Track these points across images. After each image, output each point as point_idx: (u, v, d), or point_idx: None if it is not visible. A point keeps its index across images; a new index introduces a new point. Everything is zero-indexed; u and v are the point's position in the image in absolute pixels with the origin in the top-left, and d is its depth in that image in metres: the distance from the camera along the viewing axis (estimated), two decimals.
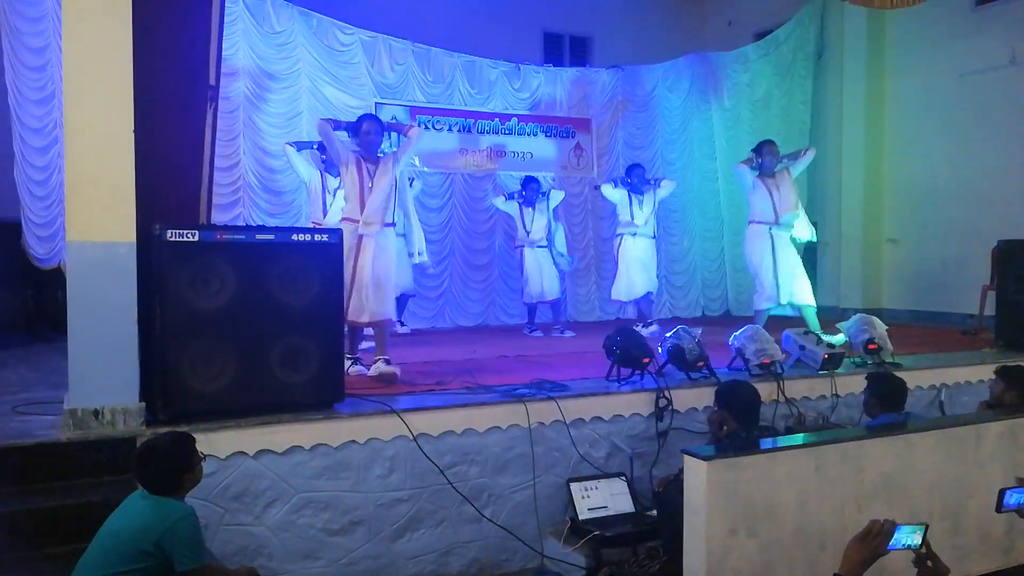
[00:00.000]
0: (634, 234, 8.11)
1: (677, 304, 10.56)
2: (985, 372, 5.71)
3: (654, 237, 8.33)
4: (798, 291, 7.00)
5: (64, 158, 3.84)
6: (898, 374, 4.68)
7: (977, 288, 8.27)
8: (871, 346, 5.71)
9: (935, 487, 3.70)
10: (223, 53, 5.17)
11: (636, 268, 8.11)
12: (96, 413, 3.74)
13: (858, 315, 6.05)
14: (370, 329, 5.63)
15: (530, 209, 8.20)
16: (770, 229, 6.99)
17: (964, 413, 5.49)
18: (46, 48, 7.15)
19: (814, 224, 10.68)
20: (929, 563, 2.24)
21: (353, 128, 5.58)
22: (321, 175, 7.05)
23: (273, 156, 8.29)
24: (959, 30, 9.34)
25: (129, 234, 3.79)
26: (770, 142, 7.18)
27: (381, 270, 5.37)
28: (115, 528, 3.00)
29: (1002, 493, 2.44)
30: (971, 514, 3.77)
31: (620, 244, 8.20)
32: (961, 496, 3.76)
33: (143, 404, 3.84)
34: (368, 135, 5.49)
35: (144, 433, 3.69)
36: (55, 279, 7.10)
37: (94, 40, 3.74)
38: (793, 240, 7.16)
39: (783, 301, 6.97)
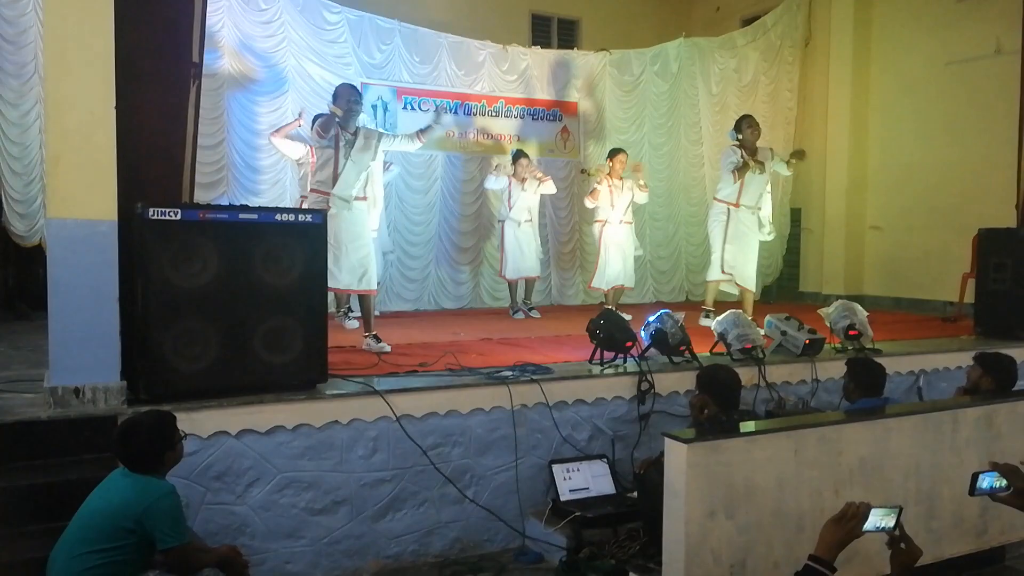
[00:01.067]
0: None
1: (662, 289, 10.59)
2: (963, 359, 5.79)
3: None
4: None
5: (45, 134, 3.80)
6: (878, 360, 4.73)
7: (958, 276, 8.35)
8: (852, 332, 5.77)
9: (911, 471, 3.75)
10: (208, 30, 5.12)
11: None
12: (77, 391, 3.72)
13: (839, 301, 6.10)
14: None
15: (520, 185, 8.16)
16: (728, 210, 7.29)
17: (942, 399, 5.56)
18: (26, 22, 7.05)
19: (797, 210, 10.83)
20: (902, 545, 2.28)
21: (336, 95, 5.55)
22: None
23: (258, 135, 8.21)
24: (945, 19, 9.37)
25: (111, 212, 3.75)
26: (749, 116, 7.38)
27: (359, 243, 5.43)
28: (96, 506, 2.99)
29: (975, 477, 2.49)
30: (946, 498, 3.83)
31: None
32: (937, 480, 3.81)
33: (124, 383, 3.82)
34: (351, 103, 5.47)
35: (125, 412, 3.67)
36: (36, 256, 7.04)
37: (76, 14, 3.68)
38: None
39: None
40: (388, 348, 5.47)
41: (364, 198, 5.81)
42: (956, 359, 6.07)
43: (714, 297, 7.63)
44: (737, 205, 7.27)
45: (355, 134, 5.54)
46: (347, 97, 5.53)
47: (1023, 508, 2.48)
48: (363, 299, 5.85)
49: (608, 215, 8.04)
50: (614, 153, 8.11)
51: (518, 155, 8.30)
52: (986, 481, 2.50)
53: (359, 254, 5.60)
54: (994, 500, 2.54)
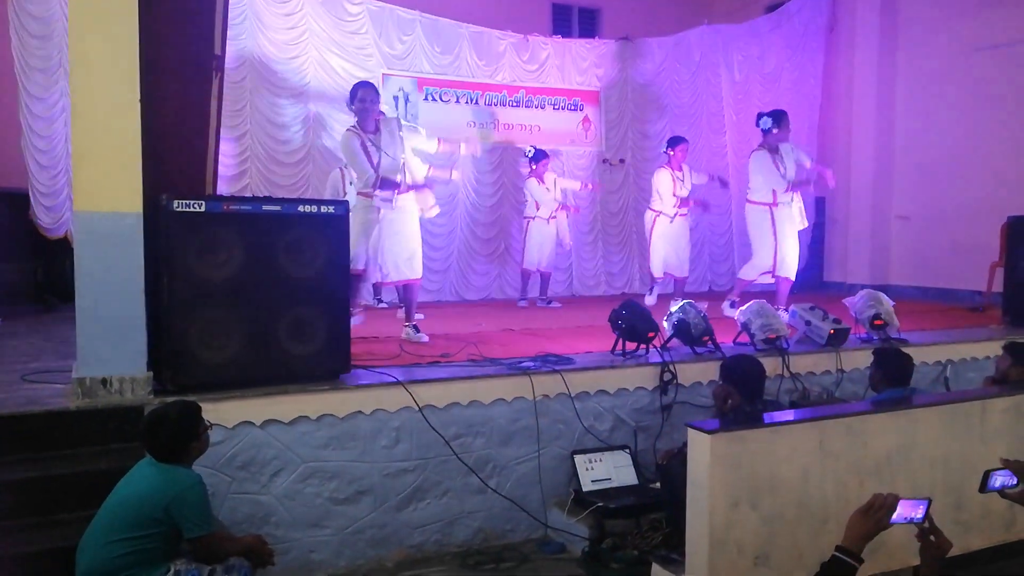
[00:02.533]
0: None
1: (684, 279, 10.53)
2: (992, 348, 5.72)
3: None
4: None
5: (70, 127, 3.83)
6: (904, 350, 4.67)
7: (985, 265, 8.23)
8: (877, 322, 5.70)
9: (939, 462, 3.70)
10: (230, 22, 5.13)
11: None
12: (104, 382, 3.77)
13: (864, 291, 6.03)
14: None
15: (540, 183, 8.21)
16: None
17: (970, 389, 5.49)
18: (51, 17, 7.12)
19: (821, 200, 10.70)
20: (932, 538, 2.24)
21: (350, 97, 5.57)
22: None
23: (280, 127, 8.26)
24: (973, 4, 9.20)
25: (136, 204, 3.78)
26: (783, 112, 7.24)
27: (409, 233, 5.61)
28: (123, 495, 3.03)
29: (987, 475, 2.46)
30: (974, 490, 3.76)
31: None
32: (965, 471, 3.75)
33: (151, 373, 3.86)
34: (364, 103, 5.49)
35: (152, 402, 3.71)
36: (63, 249, 7.13)
37: (100, 7, 3.71)
38: None
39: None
40: (426, 338, 5.54)
41: (406, 191, 5.70)
42: (984, 349, 5.98)
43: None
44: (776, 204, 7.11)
45: (376, 130, 5.55)
46: (357, 96, 5.55)
47: None
48: (407, 288, 5.94)
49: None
50: (676, 143, 8.00)
51: (541, 155, 8.31)
52: (998, 480, 2.46)
53: (405, 246, 5.67)
54: (1003, 497, 2.50)
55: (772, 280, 7.27)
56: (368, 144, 5.48)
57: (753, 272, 7.31)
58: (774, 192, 7.06)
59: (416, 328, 5.65)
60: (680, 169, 7.95)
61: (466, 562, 4.25)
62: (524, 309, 8.24)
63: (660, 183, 7.90)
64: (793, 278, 7.28)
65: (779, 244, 7.08)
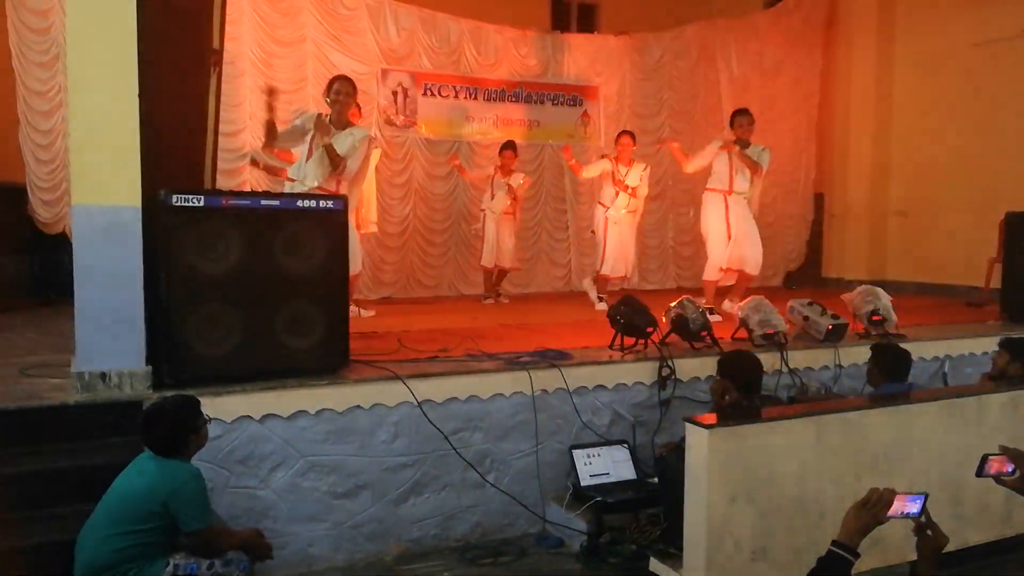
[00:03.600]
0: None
1: (684, 274, 10.54)
2: (989, 344, 5.72)
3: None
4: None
5: (68, 121, 3.83)
6: (902, 345, 4.68)
7: (984, 261, 8.24)
8: (875, 317, 5.71)
9: (936, 457, 3.72)
10: (228, 17, 5.13)
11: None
12: (103, 376, 3.77)
13: (862, 286, 6.04)
14: None
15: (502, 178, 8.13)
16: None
17: (967, 384, 5.50)
18: (49, 11, 7.11)
19: (819, 195, 10.71)
20: (929, 532, 2.25)
21: (326, 88, 5.60)
22: None
23: (279, 122, 8.21)
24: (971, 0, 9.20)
25: (134, 198, 3.78)
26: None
27: None
28: (122, 489, 3.04)
29: (984, 459, 2.48)
30: (971, 485, 3.78)
31: None
32: (962, 467, 3.77)
33: (149, 368, 3.86)
34: (339, 95, 5.49)
35: (150, 396, 3.71)
36: (62, 243, 7.13)
37: (98, 2, 3.70)
38: None
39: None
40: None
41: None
42: (982, 344, 5.99)
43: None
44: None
45: (343, 128, 5.69)
46: (333, 88, 5.66)
47: None
48: None
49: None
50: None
51: (508, 145, 8.22)
52: (994, 466, 2.49)
53: None
54: (999, 483, 2.52)
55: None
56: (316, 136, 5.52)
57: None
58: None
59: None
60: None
61: (464, 556, 4.26)
62: (518, 304, 8.20)
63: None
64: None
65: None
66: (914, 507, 2.25)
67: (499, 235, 8.16)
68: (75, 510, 3.28)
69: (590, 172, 8.07)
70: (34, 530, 3.34)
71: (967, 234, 9.07)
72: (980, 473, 2.51)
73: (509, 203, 8.13)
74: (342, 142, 5.54)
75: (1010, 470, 2.48)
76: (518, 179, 8.17)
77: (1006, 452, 2.48)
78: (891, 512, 2.23)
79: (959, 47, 9.31)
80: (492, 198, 8.18)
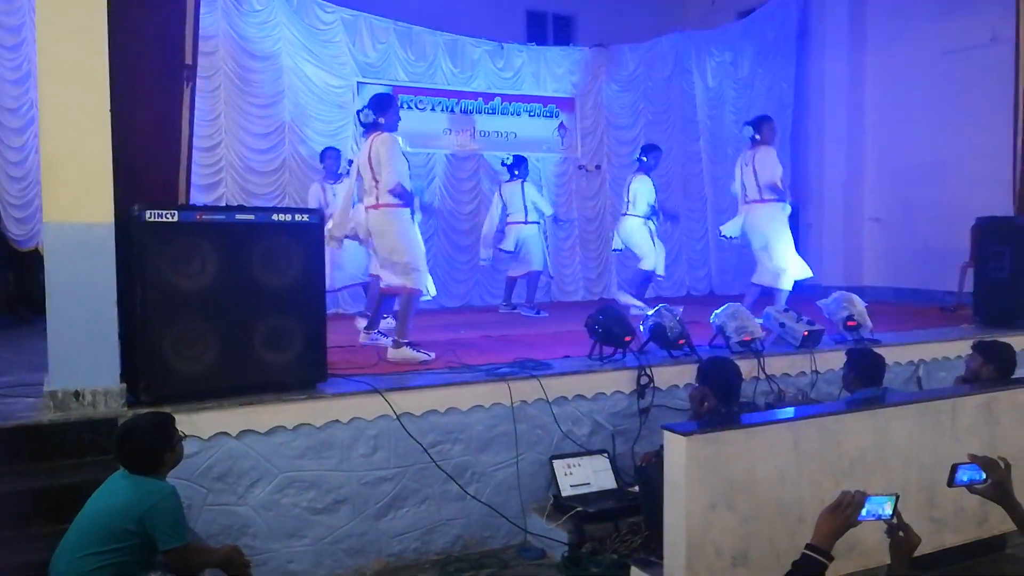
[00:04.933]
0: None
1: (661, 284, 10.57)
2: (962, 348, 5.78)
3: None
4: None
5: (40, 138, 3.80)
6: (877, 350, 4.72)
7: (957, 266, 8.35)
8: (850, 323, 5.77)
9: (912, 460, 3.74)
10: (202, 32, 5.11)
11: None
12: (77, 395, 3.73)
13: (838, 293, 6.10)
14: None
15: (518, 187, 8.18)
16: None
17: (941, 388, 5.56)
18: (21, 27, 7.07)
19: (795, 204, 10.79)
20: (901, 533, 2.27)
21: (384, 104, 5.49)
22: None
23: (256, 136, 8.22)
24: (941, 8, 9.35)
25: (107, 215, 3.76)
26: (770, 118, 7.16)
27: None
28: (97, 508, 3.00)
29: (954, 468, 2.48)
30: (946, 487, 3.82)
31: None
32: (937, 469, 3.78)
33: (124, 385, 3.83)
34: (398, 112, 5.52)
35: (125, 414, 3.68)
36: (36, 261, 7.05)
37: (68, 18, 3.69)
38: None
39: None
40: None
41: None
42: (955, 348, 6.06)
43: None
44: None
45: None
46: (394, 106, 5.54)
47: (999, 501, 2.46)
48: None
49: None
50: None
51: (519, 162, 8.30)
52: (966, 475, 2.48)
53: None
54: (971, 492, 2.52)
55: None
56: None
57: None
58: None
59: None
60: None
61: (446, 570, 4.25)
62: (502, 316, 8.20)
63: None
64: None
65: None
66: (885, 509, 2.27)
67: (529, 244, 8.24)
68: (51, 530, 3.23)
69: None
70: (10, 551, 3.28)
71: (940, 240, 9.19)
72: (951, 483, 2.51)
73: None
74: None
75: (981, 477, 2.49)
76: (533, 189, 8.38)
77: (975, 460, 2.49)
78: (863, 514, 2.25)
79: (930, 55, 9.47)
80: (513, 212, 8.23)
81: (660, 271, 8.08)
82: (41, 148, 3.77)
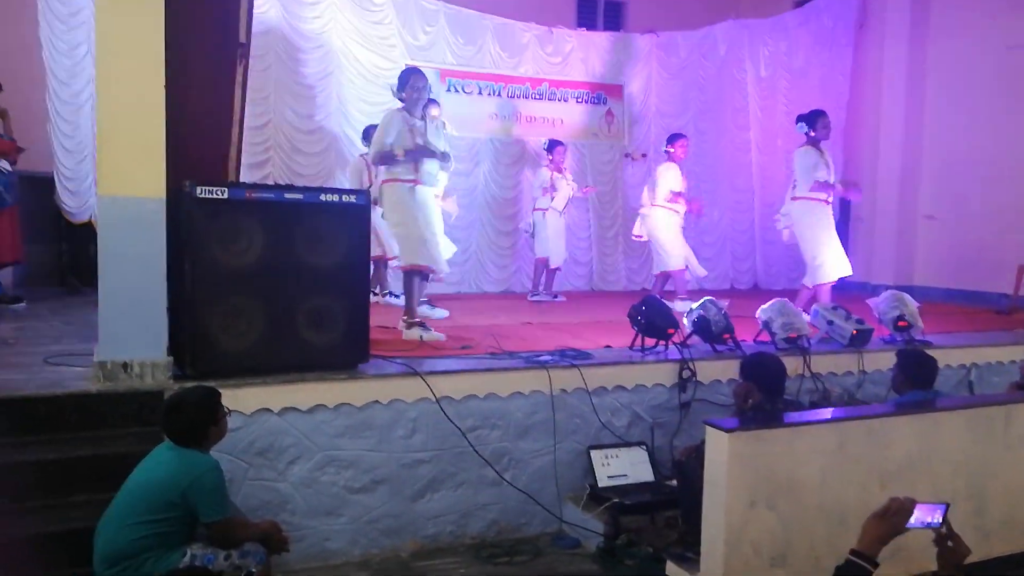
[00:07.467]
0: None
1: (706, 276, 10.47)
2: (1018, 353, 5.64)
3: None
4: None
5: (96, 112, 3.86)
6: (928, 352, 4.60)
7: (1014, 267, 8.11)
8: (901, 323, 5.63)
9: (960, 467, 3.65)
10: (255, 11, 5.15)
11: None
12: (125, 366, 3.80)
13: (888, 291, 5.96)
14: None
15: (559, 174, 8.19)
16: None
17: (994, 393, 5.41)
18: (78, 1, 7.17)
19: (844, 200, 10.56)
20: (950, 543, 2.21)
21: (401, 80, 5.48)
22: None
23: (303, 117, 8.29)
24: (1006, 3, 9.03)
25: (159, 190, 3.80)
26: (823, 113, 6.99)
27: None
28: (142, 479, 3.06)
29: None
30: (996, 496, 3.72)
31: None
32: (987, 477, 3.71)
33: (171, 359, 3.89)
34: (415, 91, 5.44)
35: (171, 387, 3.74)
36: (88, 233, 7.21)
37: None
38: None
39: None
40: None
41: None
42: (1010, 353, 5.90)
43: None
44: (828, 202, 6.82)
45: (423, 118, 5.55)
46: (408, 83, 5.46)
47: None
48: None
49: None
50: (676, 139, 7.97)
51: (553, 145, 8.27)
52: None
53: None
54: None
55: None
56: (413, 127, 5.45)
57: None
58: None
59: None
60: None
61: (480, 554, 4.26)
62: (542, 303, 8.19)
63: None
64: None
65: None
66: (935, 517, 2.20)
67: (557, 232, 8.31)
68: (94, 499, 3.31)
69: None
70: (53, 517, 3.36)
71: (997, 240, 8.93)
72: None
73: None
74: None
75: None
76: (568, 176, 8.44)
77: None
78: (911, 522, 2.19)
79: (992, 51, 9.16)
80: (552, 198, 8.25)
81: (681, 265, 7.90)
82: (97, 122, 3.84)
